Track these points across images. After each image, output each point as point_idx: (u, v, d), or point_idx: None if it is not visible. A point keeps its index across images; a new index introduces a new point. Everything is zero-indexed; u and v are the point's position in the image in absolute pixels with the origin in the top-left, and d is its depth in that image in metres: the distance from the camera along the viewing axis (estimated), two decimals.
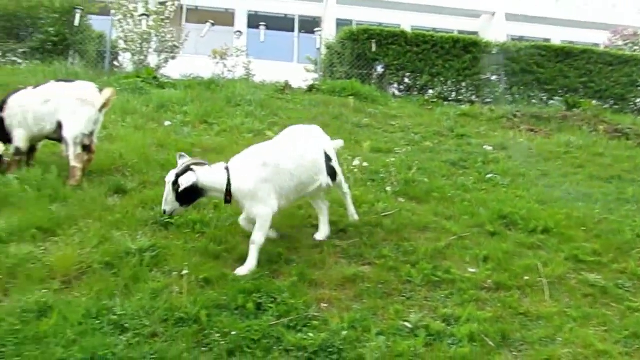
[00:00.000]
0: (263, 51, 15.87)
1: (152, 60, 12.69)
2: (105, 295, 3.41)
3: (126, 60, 12.82)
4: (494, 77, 12.78)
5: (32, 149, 5.53)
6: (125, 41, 12.47)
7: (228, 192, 3.91)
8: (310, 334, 3.25)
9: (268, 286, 3.67)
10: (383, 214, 5.09)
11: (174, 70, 12.14)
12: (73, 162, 5.05)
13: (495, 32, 19.83)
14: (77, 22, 11.29)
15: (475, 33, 19.85)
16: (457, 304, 3.81)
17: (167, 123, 7.18)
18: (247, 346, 3.11)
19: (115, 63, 12.73)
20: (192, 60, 12.71)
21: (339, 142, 4.87)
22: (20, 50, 11.44)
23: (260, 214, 3.94)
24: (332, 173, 4.49)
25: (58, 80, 5.52)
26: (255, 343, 3.14)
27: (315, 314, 3.50)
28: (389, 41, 12.12)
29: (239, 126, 7.43)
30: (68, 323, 3.09)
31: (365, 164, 6.10)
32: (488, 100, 12.30)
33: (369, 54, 12.00)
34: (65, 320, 3.11)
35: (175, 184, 3.83)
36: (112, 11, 12.68)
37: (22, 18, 11.52)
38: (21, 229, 4.14)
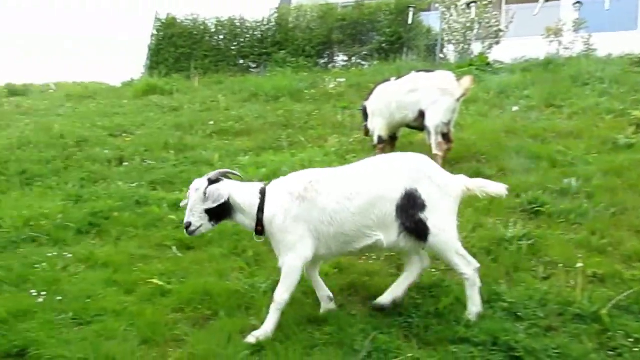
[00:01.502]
0: (599, 22, 13.95)
1: (476, 48, 12.57)
2: (490, 281, 3.42)
3: (449, 52, 13.06)
4: None
5: (393, 138, 6.00)
6: (449, 32, 12.71)
7: (259, 222, 3.13)
8: None
9: None
10: None
11: (497, 55, 11.77)
12: (435, 151, 5.21)
13: None
14: (410, 20, 12.03)
15: None
16: None
17: (515, 108, 6.93)
18: None
19: (440, 55, 13.12)
20: (513, 43, 12.11)
21: (489, 185, 3.26)
22: (363, 53, 12.88)
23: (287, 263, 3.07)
24: (418, 228, 3.02)
25: (419, 71, 5.78)
26: None
27: None
28: None
29: (594, 107, 6.65)
30: (461, 304, 3.20)
31: None
32: None
33: None
34: (459, 301, 3.24)
35: (206, 192, 3.16)
36: (436, 5, 13.09)
37: (364, 24, 12.97)
38: None
